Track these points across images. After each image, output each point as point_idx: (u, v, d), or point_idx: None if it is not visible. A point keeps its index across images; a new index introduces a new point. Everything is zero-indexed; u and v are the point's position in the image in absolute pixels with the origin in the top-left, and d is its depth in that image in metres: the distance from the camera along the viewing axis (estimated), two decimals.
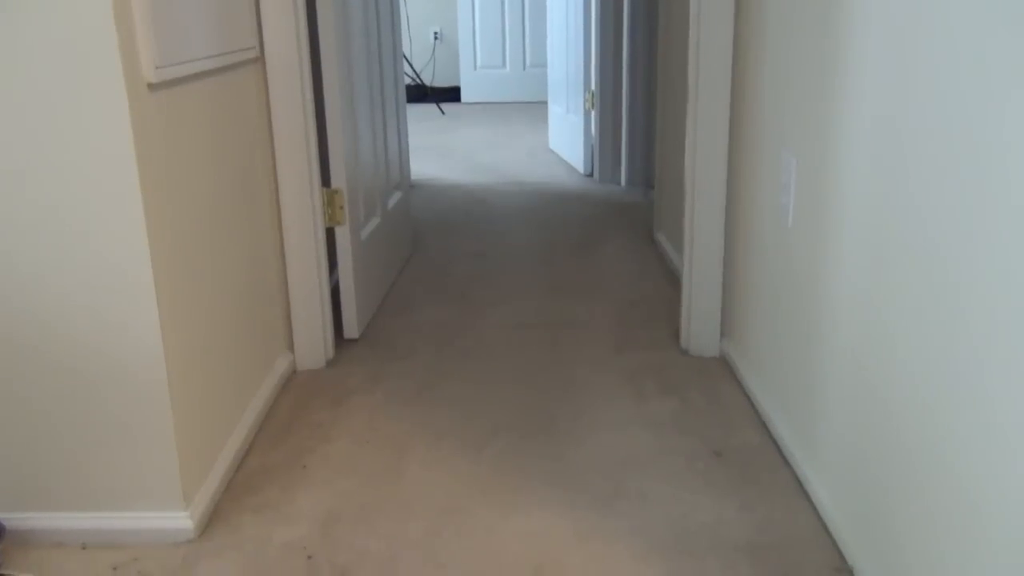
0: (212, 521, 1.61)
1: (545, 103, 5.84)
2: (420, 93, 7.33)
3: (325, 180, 2.29)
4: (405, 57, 6.99)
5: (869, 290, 1.37)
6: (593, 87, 4.50)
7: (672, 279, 2.88)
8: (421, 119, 6.49)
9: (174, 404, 1.50)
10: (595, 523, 1.58)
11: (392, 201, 2.95)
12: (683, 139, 2.27)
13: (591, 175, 4.68)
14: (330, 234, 2.34)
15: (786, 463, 1.75)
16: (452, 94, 7.56)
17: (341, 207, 2.31)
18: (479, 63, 7.54)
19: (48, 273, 1.42)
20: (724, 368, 2.23)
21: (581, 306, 2.71)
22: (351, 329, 2.45)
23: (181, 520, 1.54)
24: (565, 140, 5.15)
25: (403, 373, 2.25)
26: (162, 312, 1.46)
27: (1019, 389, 0.96)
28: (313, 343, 2.27)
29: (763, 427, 1.91)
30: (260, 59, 2.04)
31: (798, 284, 1.71)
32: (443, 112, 7.00)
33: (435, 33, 7.71)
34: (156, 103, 1.46)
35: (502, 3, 7.31)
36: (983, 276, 1.04)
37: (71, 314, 1.44)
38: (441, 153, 5.46)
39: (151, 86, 1.44)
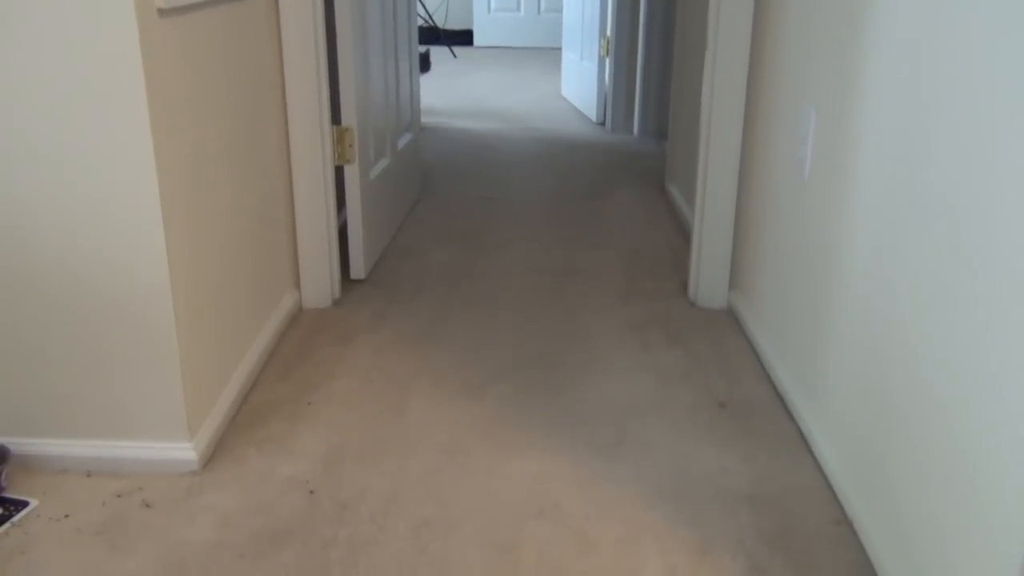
0: (216, 454, 1.61)
1: (559, 50, 5.76)
2: (432, 35, 7.23)
3: (335, 118, 2.26)
4: None
5: (882, 246, 1.35)
6: (608, 33, 4.43)
7: (682, 231, 2.86)
8: (433, 62, 6.40)
9: (180, 335, 1.50)
10: (597, 469, 1.59)
11: (402, 142, 2.92)
12: (699, 89, 2.23)
13: (603, 124, 4.63)
14: (339, 173, 2.32)
15: (790, 416, 1.75)
16: (465, 37, 7.46)
17: (351, 145, 2.28)
18: (493, 6, 7.42)
19: (55, 203, 1.41)
20: (731, 320, 2.22)
21: (589, 254, 2.69)
22: (358, 269, 2.44)
23: (185, 451, 1.55)
24: (578, 87, 5.08)
25: (409, 314, 2.24)
26: (169, 243, 1.45)
27: (1022, 351, 0.95)
28: (320, 282, 2.26)
29: (768, 380, 1.90)
30: None
31: (810, 238, 1.69)
32: (455, 55, 6.91)
33: None
34: (166, 30, 1.44)
35: None
36: (999, 238, 1.02)
37: (78, 243, 1.44)
38: (452, 97, 5.40)
39: (161, 11, 1.41)
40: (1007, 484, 0.99)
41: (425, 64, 5.41)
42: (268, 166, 2.02)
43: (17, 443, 1.54)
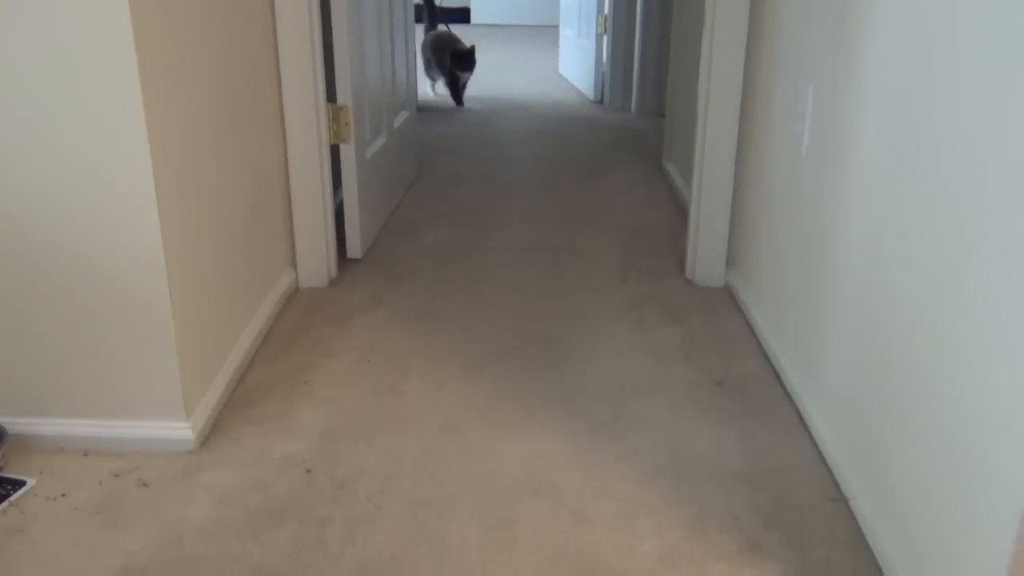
0: (213, 432, 1.62)
1: (556, 28, 5.72)
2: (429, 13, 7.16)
3: (331, 96, 2.24)
4: None
5: (879, 224, 1.35)
6: (606, 11, 4.40)
7: (679, 209, 2.86)
8: None
9: (175, 314, 1.49)
10: (594, 447, 1.59)
11: (398, 120, 2.91)
12: (697, 66, 2.21)
13: (601, 102, 4.61)
14: (335, 152, 2.31)
15: (786, 394, 1.76)
16: (461, 15, 7.41)
17: (347, 124, 2.27)
18: None
19: (47, 182, 1.40)
20: (728, 299, 2.22)
21: (586, 233, 2.69)
22: (354, 249, 2.43)
23: (182, 431, 1.55)
24: (575, 65, 5.06)
25: (406, 294, 2.24)
26: (163, 221, 1.44)
27: (1017, 332, 0.95)
28: (316, 261, 2.25)
29: (765, 358, 1.90)
30: None
31: (807, 215, 1.69)
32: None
33: None
34: (157, 4, 1.42)
35: None
36: (997, 217, 1.01)
37: (72, 223, 1.43)
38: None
39: None
40: (999, 461, 0.99)
41: (469, 61, 4.50)
42: (263, 145, 2.01)
43: (14, 422, 1.54)
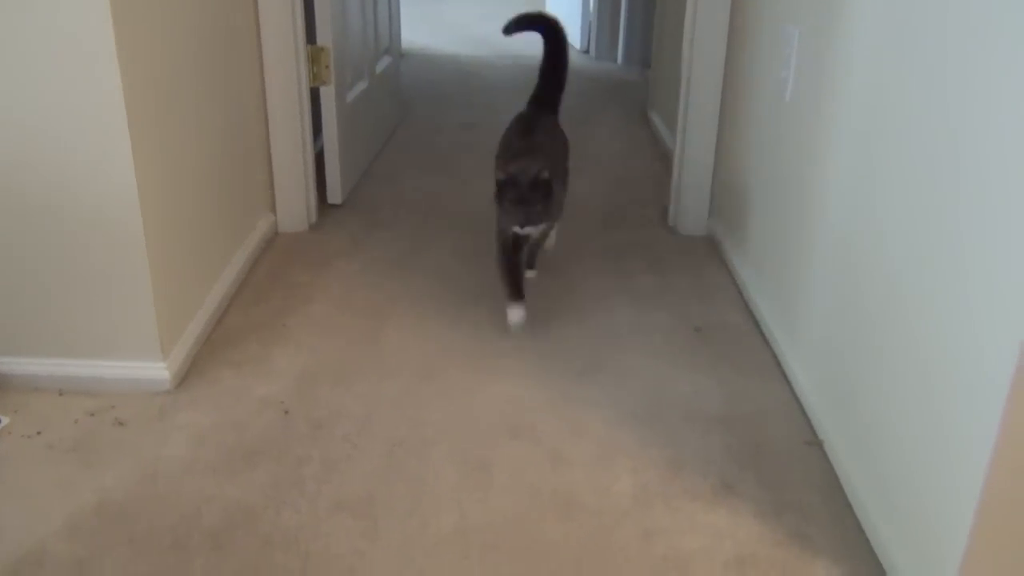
0: (190, 374, 1.61)
1: None
2: None
3: (310, 37, 2.20)
4: None
5: (862, 172, 1.34)
6: None
7: (663, 159, 2.84)
8: None
9: (150, 252, 1.47)
10: (571, 391, 1.59)
11: (380, 66, 2.86)
12: (683, 16, 2.18)
13: (587, 51, 4.56)
14: (315, 97, 2.27)
15: (765, 341, 1.76)
16: None
17: (327, 66, 2.23)
18: None
19: (16, 112, 1.37)
20: (710, 247, 2.22)
21: (570, 181, 2.66)
22: (335, 194, 2.41)
23: (159, 371, 1.54)
24: (562, 15, 4.98)
25: (386, 240, 2.22)
26: (136, 158, 1.41)
27: (992, 283, 0.95)
28: (296, 206, 2.23)
29: (745, 306, 1.91)
30: None
31: (791, 162, 1.68)
32: None
33: None
34: None
35: None
36: (980, 164, 1.01)
37: (43, 157, 1.40)
38: (433, 23, 5.29)
39: None
40: (970, 404, 1.00)
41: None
42: (241, 85, 1.97)
43: None
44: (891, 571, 1.17)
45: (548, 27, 2.09)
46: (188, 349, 1.62)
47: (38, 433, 1.43)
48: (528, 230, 1.71)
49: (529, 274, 1.95)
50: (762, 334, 1.79)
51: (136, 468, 1.35)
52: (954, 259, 1.06)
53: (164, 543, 1.21)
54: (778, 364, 1.68)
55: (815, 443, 1.45)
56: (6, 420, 1.46)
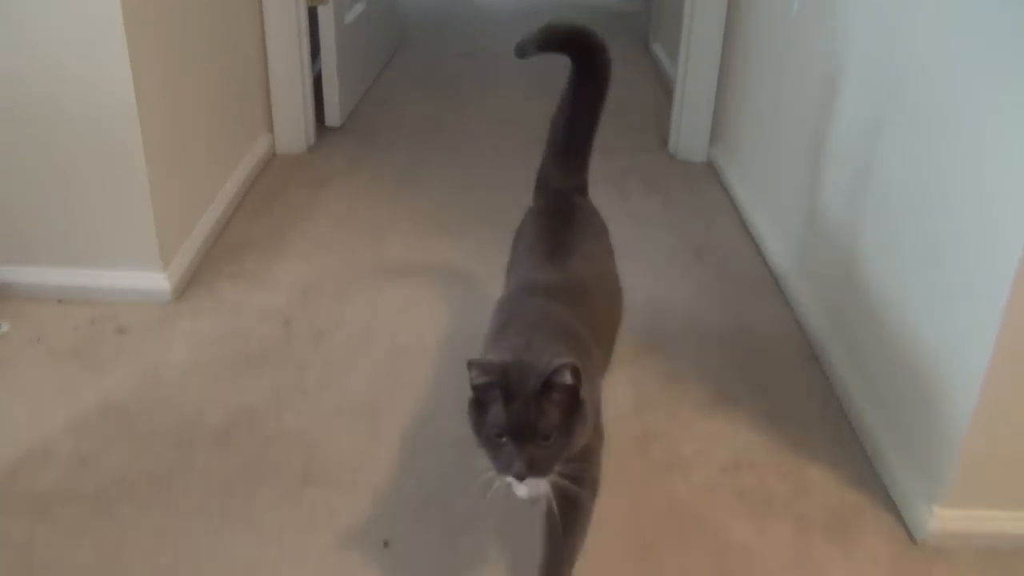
0: (191, 285, 1.60)
1: None
2: None
3: None
4: None
5: (868, 87, 1.33)
6: None
7: (664, 89, 2.81)
8: None
9: (149, 163, 1.46)
10: None
11: None
12: None
13: None
14: (313, 18, 2.23)
15: (764, 262, 1.76)
16: None
17: None
18: None
19: (13, 20, 1.34)
20: (711, 173, 2.20)
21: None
22: (333, 117, 2.38)
23: (159, 280, 1.54)
24: None
25: (385, 161, 2.21)
26: (134, 67, 1.39)
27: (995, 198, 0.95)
28: (294, 126, 2.21)
29: (744, 227, 1.90)
30: None
31: (795, 83, 1.66)
32: None
33: None
34: None
35: None
36: (988, 84, 1.00)
37: (40, 65, 1.38)
38: None
39: None
40: (962, 320, 1.00)
41: None
42: (238, 2, 1.94)
43: None
44: (884, 474, 1.19)
45: (586, 50, 1.31)
46: (189, 261, 1.62)
47: (38, 339, 1.43)
48: (531, 483, 0.90)
49: None
50: (761, 256, 1.79)
51: (138, 371, 1.36)
52: (958, 182, 1.05)
53: (167, 441, 1.22)
54: (776, 283, 1.68)
55: (812, 358, 1.45)
56: (6, 327, 1.46)
